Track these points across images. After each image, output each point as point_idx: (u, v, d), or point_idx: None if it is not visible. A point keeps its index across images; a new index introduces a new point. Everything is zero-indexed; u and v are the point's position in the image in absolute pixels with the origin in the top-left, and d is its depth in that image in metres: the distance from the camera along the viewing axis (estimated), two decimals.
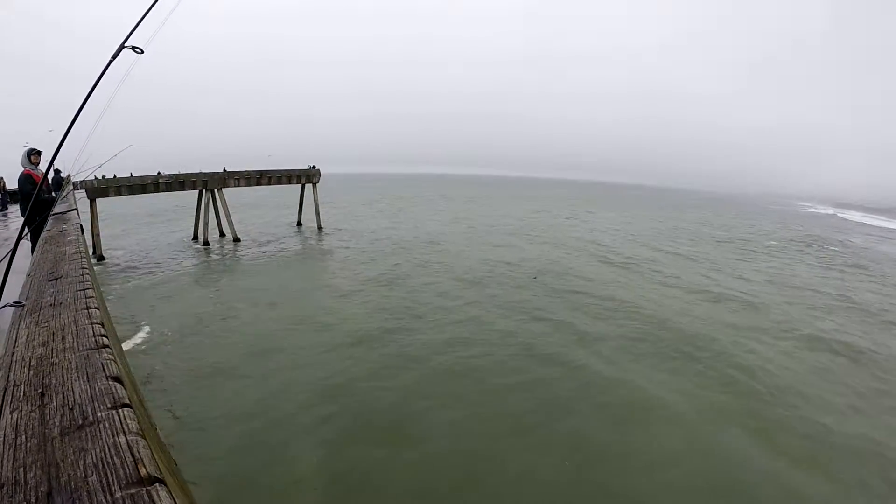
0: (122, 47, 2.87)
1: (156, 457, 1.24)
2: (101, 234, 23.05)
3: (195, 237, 29.03)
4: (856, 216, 69.47)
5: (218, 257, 24.80)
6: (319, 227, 33.46)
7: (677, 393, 10.17)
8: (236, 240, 28.35)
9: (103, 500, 1.00)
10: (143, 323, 13.58)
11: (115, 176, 23.40)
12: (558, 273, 21.26)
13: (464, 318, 14.57)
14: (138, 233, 32.00)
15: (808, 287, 20.73)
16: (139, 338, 12.49)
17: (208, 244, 27.05)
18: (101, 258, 22.26)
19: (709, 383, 10.75)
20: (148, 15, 3.15)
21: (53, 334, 2.10)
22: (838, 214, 72.76)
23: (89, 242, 22.06)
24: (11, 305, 2.55)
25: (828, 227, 51.95)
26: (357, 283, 19.09)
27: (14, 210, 19.83)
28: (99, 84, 2.93)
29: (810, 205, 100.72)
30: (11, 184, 20.10)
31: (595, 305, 16.30)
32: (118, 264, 22.09)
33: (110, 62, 2.86)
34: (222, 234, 30.16)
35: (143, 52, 3.01)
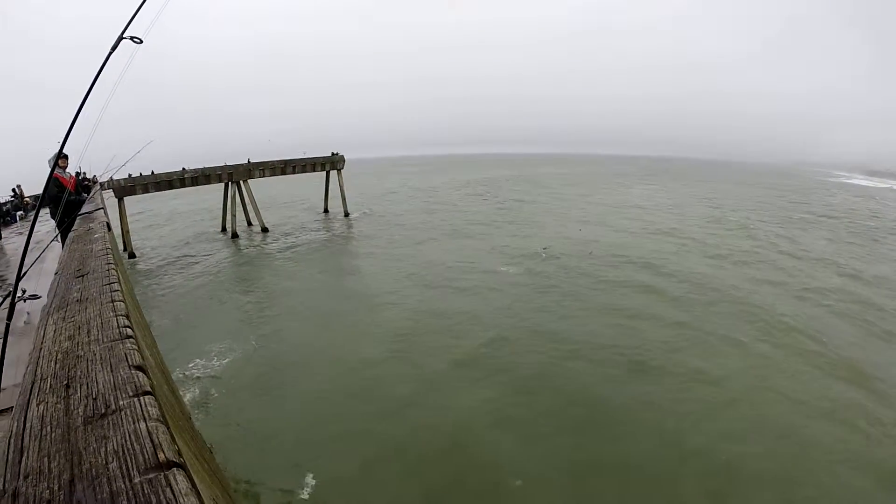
0: (120, 38, 2.86)
1: (178, 442, 1.24)
2: (130, 229, 23.64)
3: (223, 229, 29.55)
4: None
5: (247, 250, 25.13)
6: (346, 213, 33.70)
7: None
8: (264, 230, 28.69)
9: (122, 486, 1.00)
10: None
11: (140, 174, 23.89)
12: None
13: None
14: (169, 226, 32.74)
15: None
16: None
17: (237, 236, 27.49)
18: (132, 255, 22.84)
19: None
20: (146, 4, 3.13)
21: (79, 328, 2.13)
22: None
23: (119, 240, 22.63)
24: (29, 298, 2.61)
25: None
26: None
27: (43, 215, 20.27)
28: (99, 80, 2.96)
29: (847, 174, 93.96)
30: (29, 190, 20.41)
31: None
32: (151, 259, 22.68)
33: (110, 54, 2.85)
34: (250, 224, 30.63)
35: (142, 41, 2.99)
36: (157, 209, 40.45)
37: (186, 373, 11.16)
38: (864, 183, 72.01)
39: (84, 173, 21.04)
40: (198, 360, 11.77)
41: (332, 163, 33.12)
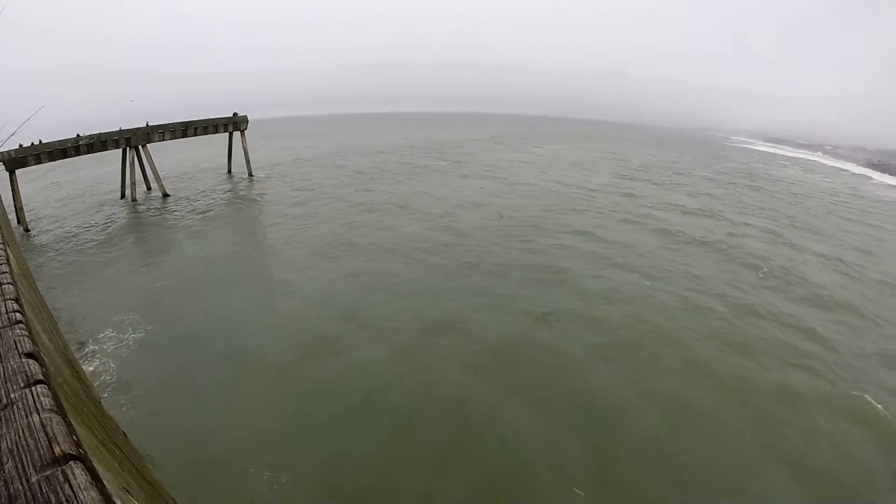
0: None
1: (78, 431, 1.18)
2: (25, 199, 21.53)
3: (122, 195, 27.81)
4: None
5: (148, 216, 23.64)
6: (250, 174, 33.11)
7: None
8: (165, 195, 27.27)
9: (20, 487, 0.94)
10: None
11: (32, 144, 21.68)
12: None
13: None
14: (69, 196, 30.05)
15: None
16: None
17: (136, 200, 26.20)
18: (26, 230, 20.93)
19: None
20: None
21: None
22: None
23: (12, 216, 20.66)
24: None
25: None
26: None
27: None
28: None
29: (750, 140, 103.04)
30: None
31: None
32: (50, 232, 20.84)
33: None
34: (149, 188, 29.22)
35: None
36: (69, 178, 36.72)
37: (97, 346, 10.81)
38: (763, 149, 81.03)
39: None
40: (108, 331, 11.55)
41: (235, 123, 32.00)
